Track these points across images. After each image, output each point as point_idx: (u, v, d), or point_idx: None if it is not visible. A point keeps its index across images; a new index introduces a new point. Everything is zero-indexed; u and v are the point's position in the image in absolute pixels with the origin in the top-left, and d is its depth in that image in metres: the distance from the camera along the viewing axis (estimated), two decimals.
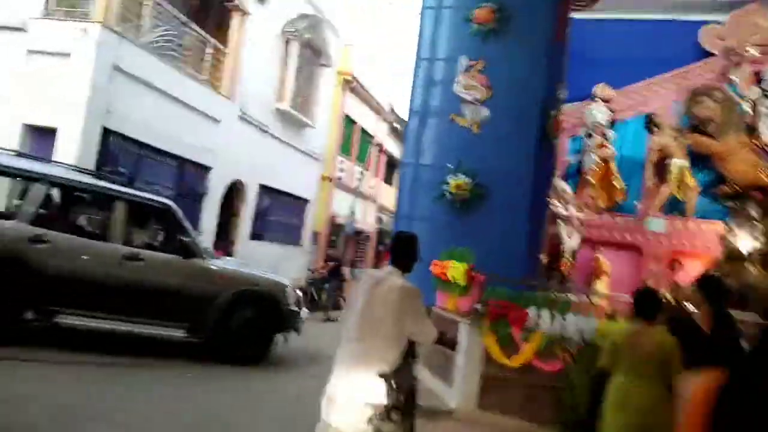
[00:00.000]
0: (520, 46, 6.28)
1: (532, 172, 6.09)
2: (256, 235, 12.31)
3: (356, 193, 17.28)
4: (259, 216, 12.47)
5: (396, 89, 16.54)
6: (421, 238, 6.04)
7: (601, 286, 8.61)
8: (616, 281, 8.77)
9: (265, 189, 12.53)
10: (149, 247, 5.70)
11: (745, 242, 7.30)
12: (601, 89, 10.12)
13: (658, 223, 9.08)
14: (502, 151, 6.19)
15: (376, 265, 17.89)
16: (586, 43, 10.13)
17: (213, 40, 10.39)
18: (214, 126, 10.43)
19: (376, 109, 17.99)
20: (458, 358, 5.14)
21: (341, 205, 16.37)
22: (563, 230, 8.34)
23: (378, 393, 2.52)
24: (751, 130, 9.24)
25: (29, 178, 5.33)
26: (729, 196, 9.45)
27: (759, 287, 7.06)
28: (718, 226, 8.36)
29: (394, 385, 2.53)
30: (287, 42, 12.71)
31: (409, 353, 2.74)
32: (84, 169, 6.18)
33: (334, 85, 15.15)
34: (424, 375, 5.78)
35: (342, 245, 16.98)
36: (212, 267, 5.71)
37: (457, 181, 6.25)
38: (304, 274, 13.51)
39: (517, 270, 5.84)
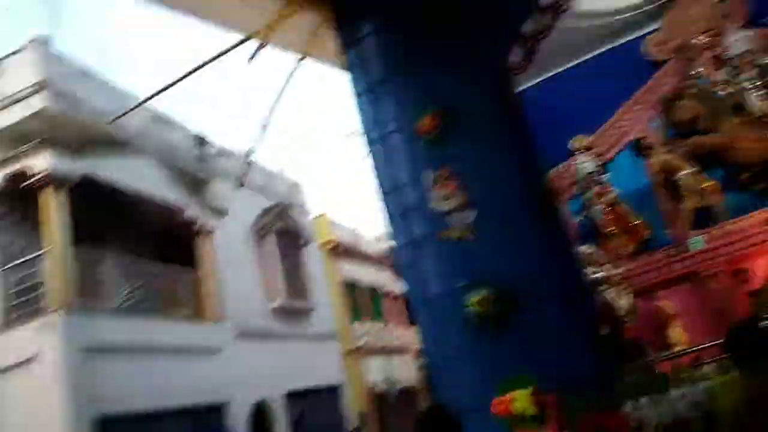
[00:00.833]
0: (477, 133, 5.81)
1: (562, 265, 5.34)
2: None
3: (386, 351, 16.27)
4: (298, 427, 11.37)
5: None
6: (460, 379, 5.27)
7: (677, 333, 7.60)
8: (691, 319, 7.78)
9: (291, 396, 11.55)
10: None
11: None
12: (577, 141, 9.82)
13: (698, 241, 8.26)
14: (508, 246, 5.49)
15: None
16: (541, 104, 9.93)
17: (184, 271, 10.04)
18: (215, 357, 9.76)
19: (373, 259, 17.54)
20: None
21: (377, 371, 15.29)
22: (610, 294, 7.49)
23: None
24: (739, 108, 8.73)
25: None
26: (752, 181, 8.80)
27: None
28: (761, 215, 7.57)
29: None
30: (261, 239, 12.49)
31: None
32: None
33: (322, 259, 14.78)
34: None
35: (392, 413, 15.65)
36: None
37: (478, 296, 5.49)
38: None
39: (584, 369, 4.95)
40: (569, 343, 5.02)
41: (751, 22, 9.15)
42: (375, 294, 16.81)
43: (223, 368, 9.46)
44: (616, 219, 9.13)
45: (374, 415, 14.34)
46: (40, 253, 7.76)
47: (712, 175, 9.07)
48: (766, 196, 8.39)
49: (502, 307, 5.36)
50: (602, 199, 9.11)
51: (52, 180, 8.62)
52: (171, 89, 6.87)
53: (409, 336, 17.42)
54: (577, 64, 10.57)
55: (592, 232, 9.46)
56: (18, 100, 9.23)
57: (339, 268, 15.04)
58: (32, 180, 8.82)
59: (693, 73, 9.25)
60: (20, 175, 8.86)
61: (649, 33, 10.04)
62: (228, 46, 6.73)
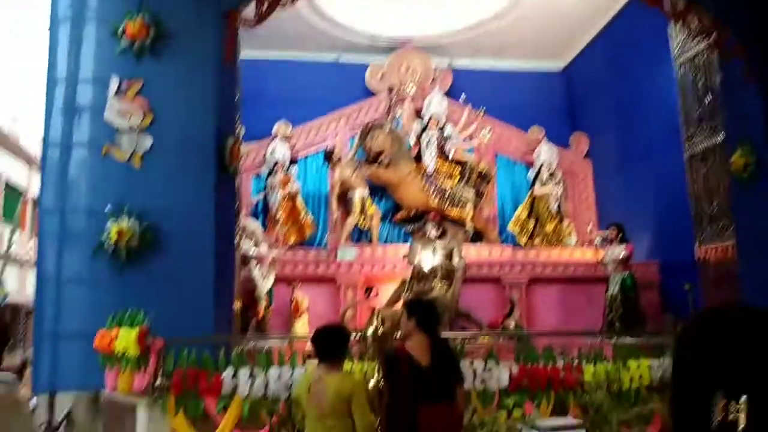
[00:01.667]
0: (184, 64, 5.39)
1: (212, 209, 5.18)
2: None
3: (5, 258, 14.09)
4: None
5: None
6: (78, 303, 4.73)
7: (301, 325, 8.11)
8: (317, 317, 8.38)
9: None
10: None
11: (427, 260, 7.57)
12: (280, 127, 9.99)
13: (348, 253, 9.01)
14: (173, 186, 5.16)
15: None
16: (261, 82, 9.91)
17: None
18: None
19: (24, 156, 15.10)
20: None
21: None
22: (257, 272, 7.63)
23: None
24: (418, 159, 9.94)
25: None
26: (406, 220, 10.08)
27: (442, 300, 7.42)
28: (403, 249, 8.63)
29: None
30: None
31: None
32: None
33: None
34: None
35: None
36: None
37: (119, 226, 4.99)
38: None
39: (206, 326, 4.86)
40: (198, 294, 4.88)
41: (449, 93, 10.65)
42: (13, 194, 14.43)
43: None
44: (289, 210, 9.50)
45: None
46: None
47: (379, 203, 10.15)
48: (412, 236, 9.69)
49: (141, 243, 4.99)
50: (284, 188, 9.39)
51: None
52: None
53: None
54: (305, 61, 10.88)
55: (264, 213, 9.67)
56: None
57: None
58: None
59: (394, 113, 10.31)
60: None
61: (374, 63, 10.90)
62: None
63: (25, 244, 15.23)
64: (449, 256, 7.61)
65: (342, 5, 10.06)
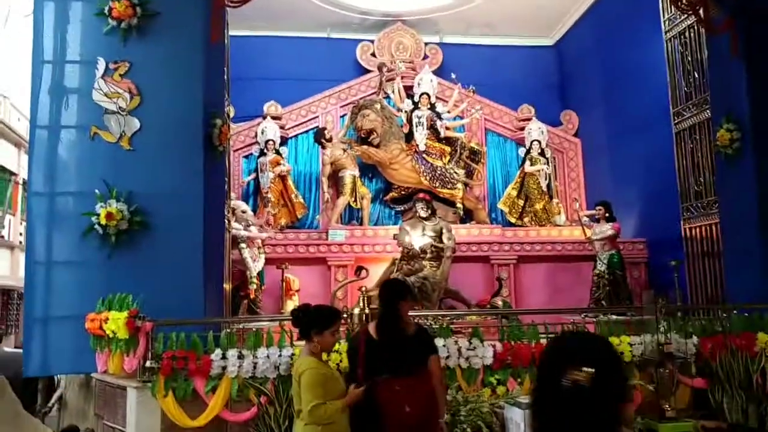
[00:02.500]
0: (171, 45, 5.37)
1: (201, 190, 5.20)
2: None
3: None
4: None
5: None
6: (68, 286, 4.78)
7: (292, 305, 8.17)
8: (309, 298, 8.45)
9: None
10: None
11: (417, 240, 7.62)
12: (270, 107, 9.96)
13: (339, 234, 9.05)
14: (161, 168, 5.18)
15: None
16: (251, 61, 9.86)
17: None
18: None
19: (12, 138, 14.99)
20: None
21: None
22: (247, 253, 7.67)
23: None
24: (409, 139, 9.93)
25: None
26: (397, 201, 10.11)
27: (432, 279, 7.49)
28: (393, 230, 8.68)
29: None
30: None
31: None
32: None
33: None
34: None
35: None
36: None
37: (108, 209, 5.02)
38: None
39: (196, 308, 4.93)
40: (189, 276, 4.93)
41: (439, 70, 10.61)
42: (4, 176, 14.34)
43: None
44: (280, 191, 9.51)
45: None
46: None
47: (369, 183, 10.17)
48: (403, 216, 9.74)
49: (131, 225, 5.03)
50: (275, 169, 9.38)
51: None
52: None
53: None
54: (300, 37, 10.81)
55: (255, 194, 9.68)
56: None
57: None
58: None
59: (385, 92, 10.26)
60: None
61: (366, 41, 10.84)
62: None
63: (16, 228, 15.21)
64: (438, 236, 7.67)
65: None
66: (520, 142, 10.52)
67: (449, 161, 9.87)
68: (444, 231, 7.73)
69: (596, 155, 10.35)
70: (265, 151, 9.55)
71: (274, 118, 9.88)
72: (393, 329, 3.27)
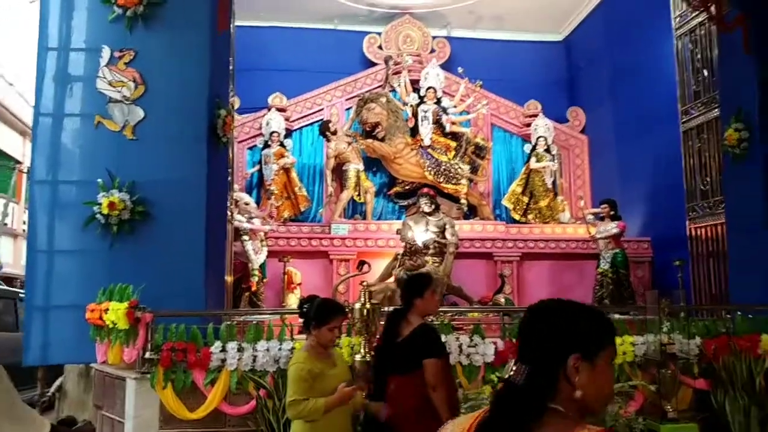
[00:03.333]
0: (177, 34, 5.33)
1: (204, 181, 5.17)
2: None
3: (0, 230, 14.12)
4: None
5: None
6: (69, 275, 4.76)
7: (294, 299, 8.17)
8: (310, 291, 8.42)
9: None
10: None
11: (420, 235, 7.58)
12: (276, 99, 9.93)
13: (342, 228, 9.02)
14: (165, 157, 5.15)
15: None
16: (257, 52, 9.82)
17: None
18: None
19: (18, 127, 14.98)
20: (126, 424, 3.99)
21: None
22: (249, 245, 7.65)
23: None
24: (414, 133, 9.88)
25: None
26: (401, 195, 10.07)
27: (435, 275, 7.43)
28: (396, 225, 8.63)
29: None
30: None
31: None
32: None
33: None
34: None
35: None
36: None
37: (110, 198, 5.00)
38: None
39: (197, 299, 4.91)
40: (190, 267, 4.91)
41: (446, 64, 10.53)
42: (8, 164, 14.35)
43: None
44: (284, 183, 9.49)
45: None
46: None
47: (373, 177, 10.13)
48: (406, 211, 9.70)
49: (133, 215, 5.01)
50: (279, 161, 9.35)
51: None
52: None
53: None
54: (306, 29, 10.76)
55: (258, 186, 9.66)
56: None
57: None
58: None
59: (391, 85, 10.21)
60: None
61: (373, 33, 10.77)
62: None
63: (20, 216, 15.25)
64: (442, 231, 7.62)
65: None
66: (526, 138, 10.46)
67: (454, 156, 9.81)
68: (447, 227, 7.68)
69: (603, 153, 10.28)
70: (270, 143, 9.52)
71: (279, 110, 9.85)
72: (387, 329, 3.26)
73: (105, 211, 4.98)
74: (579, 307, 1.35)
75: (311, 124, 10.25)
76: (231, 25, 6.18)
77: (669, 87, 7.93)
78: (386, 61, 10.32)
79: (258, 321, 4.71)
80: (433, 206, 7.80)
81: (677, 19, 7.84)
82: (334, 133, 9.60)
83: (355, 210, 9.81)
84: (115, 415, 4.22)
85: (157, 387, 3.97)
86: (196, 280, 4.93)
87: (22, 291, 7.31)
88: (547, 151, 10.06)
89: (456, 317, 5.91)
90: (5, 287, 8.44)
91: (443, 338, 4.11)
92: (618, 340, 4.33)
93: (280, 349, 4.12)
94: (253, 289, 7.64)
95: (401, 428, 3.05)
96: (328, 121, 9.73)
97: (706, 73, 7.31)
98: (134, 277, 4.53)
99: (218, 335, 4.23)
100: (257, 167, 9.67)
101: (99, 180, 5.06)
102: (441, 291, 3.39)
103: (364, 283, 4.83)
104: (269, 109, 9.80)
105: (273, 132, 9.52)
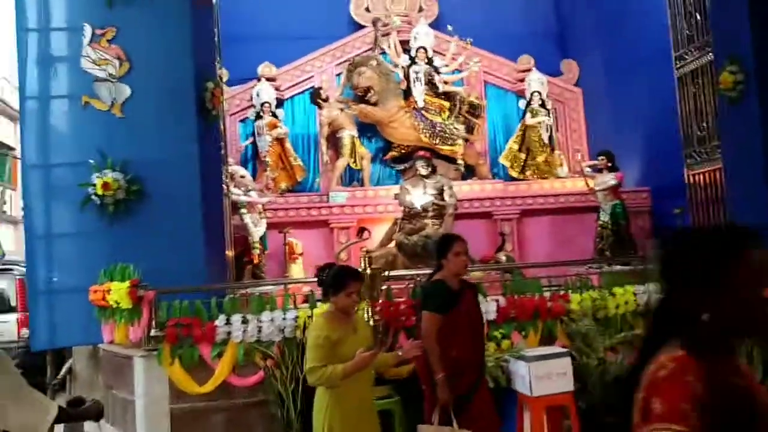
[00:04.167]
0: (157, 8, 5.22)
1: (197, 155, 5.13)
2: None
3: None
4: None
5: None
6: (70, 258, 4.77)
7: (297, 269, 8.20)
8: (312, 260, 8.46)
9: None
10: None
11: (419, 199, 7.56)
12: (265, 68, 9.77)
13: (340, 196, 9.00)
14: (155, 134, 5.10)
15: None
16: (243, 21, 9.61)
17: None
18: None
19: (8, 113, 14.87)
20: (137, 402, 4.04)
21: None
22: (248, 218, 7.64)
23: None
24: (407, 95, 9.76)
25: None
26: (398, 160, 10.00)
27: (435, 238, 7.43)
28: (394, 190, 8.61)
29: None
30: None
31: None
32: None
33: None
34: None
35: None
36: None
37: (104, 179, 4.97)
38: None
39: (198, 274, 4.92)
40: (189, 243, 4.91)
41: (435, 22, 10.34)
42: (3, 152, 14.25)
43: None
44: (278, 154, 9.41)
45: None
46: None
47: (368, 143, 10.05)
48: (403, 175, 9.65)
49: (128, 194, 4.98)
50: (272, 132, 9.26)
51: None
52: None
53: None
54: None
55: (253, 158, 9.59)
56: None
57: None
58: None
59: (381, 48, 10.03)
60: None
61: None
62: None
63: (17, 203, 15.23)
64: (440, 193, 7.59)
65: None
66: (520, 94, 10.34)
67: (449, 117, 9.72)
68: (445, 188, 7.65)
69: (597, 104, 10.18)
70: (262, 114, 9.41)
71: (268, 79, 9.70)
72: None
73: (100, 191, 4.96)
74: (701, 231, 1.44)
75: (302, 92, 10.10)
76: None
77: (661, 33, 7.79)
78: (374, 23, 10.13)
79: (261, 293, 4.74)
80: (430, 169, 7.76)
81: None
82: (326, 100, 9.49)
83: (352, 177, 9.76)
84: (126, 394, 4.27)
85: (165, 363, 4.00)
86: (196, 256, 4.93)
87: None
88: (542, 105, 9.96)
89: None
90: None
91: None
92: (620, 290, 4.36)
93: (284, 319, 4.14)
94: (255, 261, 7.65)
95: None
96: (319, 89, 9.61)
97: (699, 17, 7.17)
98: (134, 257, 4.54)
99: (222, 309, 4.25)
100: (251, 140, 9.58)
101: (91, 161, 5.02)
102: (465, 249, 3.40)
103: (365, 249, 4.84)
104: (259, 80, 9.65)
105: (264, 102, 9.40)
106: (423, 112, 9.69)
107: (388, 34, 10.07)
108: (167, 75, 5.21)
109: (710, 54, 6.87)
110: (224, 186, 6.16)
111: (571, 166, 9.78)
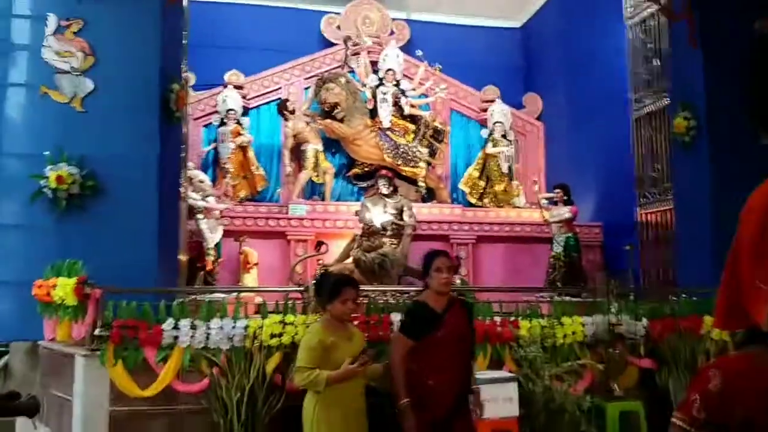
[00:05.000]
0: (126, 4, 5.16)
1: (156, 155, 5.05)
2: None
3: None
4: None
5: None
6: (15, 251, 4.59)
7: (250, 279, 8.09)
8: (267, 271, 8.38)
9: None
10: None
11: (378, 217, 7.59)
12: (233, 76, 9.74)
13: (300, 208, 8.95)
14: (115, 131, 5.00)
15: None
16: (214, 28, 9.59)
17: None
18: None
19: None
20: (74, 402, 3.89)
21: None
22: (204, 224, 7.51)
23: None
24: (374, 115, 9.85)
25: None
26: (360, 177, 10.04)
27: (392, 257, 7.47)
28: (354, 206, 8.62)
29: None
30: None
31: None
32: None
33: None
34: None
35: None
36: None
37: (58, 172, 4.83)
38: None
39: (149, 276, 4.81)
40: (142, 244, 4.81)
41: (406, 47, 10.50)
42: None
43: None
44: (241, 162, 9.32)
45: None
46: None
47: (332, 158, 10.05)
48: (365, 193, 9.67)
49: (82, 189, 4.85)
50: (235, 139, 9.18)
51: None
52: None
53: None
54: (261, 6, 10.56)
55: (214, 164, 9.47)
56: None
57: None
58: None
59: (350, 66, 10.11)
60: None
61: (332, 13, 10.64)
62: None
63: None
64: (399, 213, 7.64)
65: None
66: (483, 123, 10.55)
67: (413, 139, 9.84)
68: (405, 209, 7.71)
69: (557, 139, 10.47)
70: (226, 120, 9.33)
71: (236, 87, 9.65)
72: None
73: (53, 185, 4.82)
74: None
75: (269, 102, 10.07)
76: None
77: (621, 76, 8.12)
78: (345, 42, 10.22)
79: (211, 300, 4.66)
80: (391, 188, 7.81)
81: (629, 9, 8.02)
82: (293, 112, 9.48)
83: (313, 191, 9.73)
84: (64, 393, 4.11)
85: (108, 364, 3.87)
86: (147, 257, 4.83)
87: None
88: (504, 136, 10.18)
89: (413, 297, 5.95)
90: None
91: (399, 317, 4.14)
92: (568, 320, 4.45)
93: (233, 327, 4.06)
94: (208, 268, 7.51)
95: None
96: (286, 100, 9.60)
97: (657, 62, 7.51)
98: (84, 254, 4.40)
99: (170, 313, 4.15)
100: (213, 145, 9.47)
101: (46, 153, 4.88)
102: (446, 264, 3.31)
103: (322, 263, 4.82)
104: (225, 86, 9.59)
105: (230, 110, 9.33)
106: (388, 132, 9.79)
107: (357, 54, 10.16)
108: (132, 72, 5.13)
109: (666, 99, 7.17)
110: (182, 189, 6.06)
111: (528, 197, 9.99)
